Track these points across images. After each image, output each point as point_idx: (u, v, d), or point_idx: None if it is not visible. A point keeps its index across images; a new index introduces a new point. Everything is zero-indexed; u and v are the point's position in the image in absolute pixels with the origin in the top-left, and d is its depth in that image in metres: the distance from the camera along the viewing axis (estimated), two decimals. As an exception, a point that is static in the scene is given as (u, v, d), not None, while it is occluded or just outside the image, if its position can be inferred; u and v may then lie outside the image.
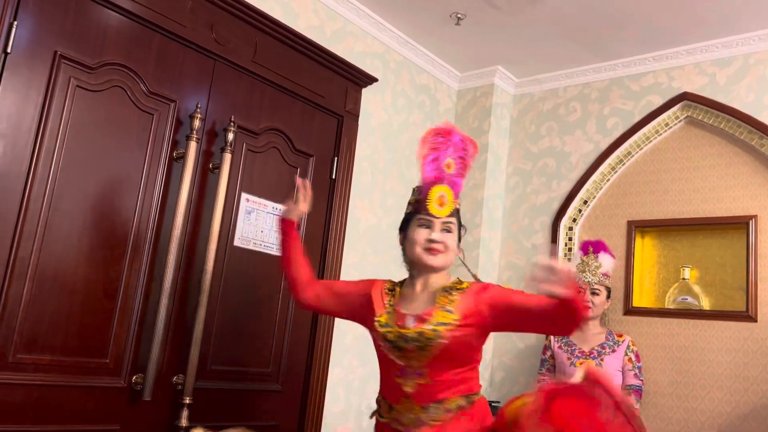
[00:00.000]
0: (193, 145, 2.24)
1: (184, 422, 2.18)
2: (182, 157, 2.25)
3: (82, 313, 2.02)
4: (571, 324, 1.62)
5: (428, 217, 1.82)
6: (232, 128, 2.37)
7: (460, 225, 1.90)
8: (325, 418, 2.83)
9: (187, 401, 2.20)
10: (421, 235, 1.81)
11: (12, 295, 1.86)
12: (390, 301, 1.85)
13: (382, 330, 1.78)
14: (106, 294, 2.07)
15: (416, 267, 1.85)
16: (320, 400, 2.75)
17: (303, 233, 2.70)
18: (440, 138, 1.87)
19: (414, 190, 1.91)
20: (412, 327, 1.74)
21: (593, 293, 3.09)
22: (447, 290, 1.80)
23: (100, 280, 2.06)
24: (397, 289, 1.89)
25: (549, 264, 1.49)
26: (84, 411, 2.01)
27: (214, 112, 2.40)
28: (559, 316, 1.59)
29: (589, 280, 3.10)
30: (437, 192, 1.82)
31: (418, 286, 1.84)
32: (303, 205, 2.03)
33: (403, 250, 1.88)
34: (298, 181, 2.05)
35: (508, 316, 1.72)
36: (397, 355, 1.75)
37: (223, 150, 2.35)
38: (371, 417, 1.87)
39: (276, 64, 2.63)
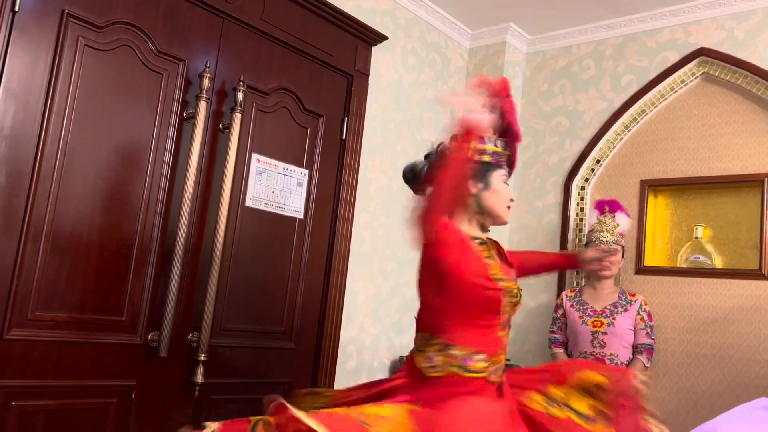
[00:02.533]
0: (203, 105, 2.24)
1: (199, 378, 2.23)
2: (192, 118, 2.25)
3: (98, 272, 2.05)
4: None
5: (506, 173, 1.82)
6: (242, 88, 2.36)
7: None
8: (338, 376, 2.88)
9: (202, 358, 2.24)
10: (508, 192, 1.80)
11: (28, 254, 1.89)
12: (486, 254, 1.75)
13: (502, 284, 1.70)
14: (120, 253, 2.10)
15: (490, 219, 1.78)
16: (333, 357, 2.79)
17: (314, 193, 2.70)
18: (506, 92, 1.83)
19: (495, 141, 1.80)
20: (514, 281, 1.76)
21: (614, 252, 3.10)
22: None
23: (114, 239, 2.09)
24: (482, 242, 1.80)
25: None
26: (102, 367, 2.05)
27: (223, 71, 2.39)
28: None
29: (607, 239, 3.10)
30: (515, 147, 1.86)
31: (488, 240, 1.81)
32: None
33: (477, 198, 1.76)
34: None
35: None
36: (508, 309, 1.72)
37: (233, 110, 2.35)
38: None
39: (285, 22, 2.60)
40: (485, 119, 1.61)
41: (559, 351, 3.16)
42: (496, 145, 1.80)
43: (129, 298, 2.12)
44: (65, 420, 1.96)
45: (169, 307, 2.15)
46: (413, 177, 1.85)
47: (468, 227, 1.76)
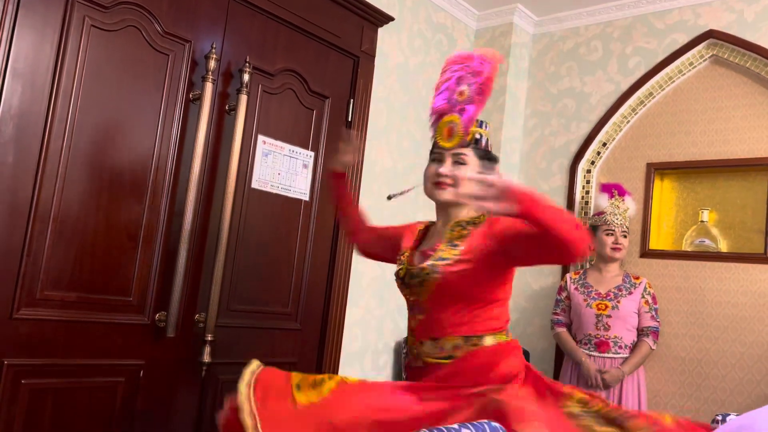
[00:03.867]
0: (209, 87, 2.23)
1: (206, 358, 2.25)
2: (198, 99, 2.25)
3: (105, 252, 2.06)
4: (563, 249, 1.42)
5: (438, 150, 1.75)
6: (248, 69, 2.35)
7: (484, 156, 1.76)
8: (343, 357, 2.90)
9: (209, 338, 2.26)
10: (430, 170, 1.76)
11: (36, 234, 1.91)
12: (417, 239, 1.84)
13: (397, 267, 1.80)
14: (127, 233, 2.11)
15: (435, 203, 1.80)
16: (338, 338, 2.81)
17: (319, 176, 2.71)
18: (456, 66, 1.76)
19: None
20: (416, 263, 1.73)
21: (624, 236, 3.12)
22: (460, 224, 1.72)
23: (121, 220, 2.10)
24: (429, 228, 1.88)
25: (481, 177, 1.39)
26: (110, 346, 2.08)
27: (229, 52, 2.38)
28: (547, 243, 1.44)
29: (620, 222, 3.12)
30: (446, 123, 1.73)
31: (439, 222, 1.81)
32: (348, 155, 1.99)
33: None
34: (345, 132, 2.00)
35: (515, 246, 1.58)
36: (406, 292, 1.76)
37: (239, 91, 2.34)
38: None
39: (291, 2, 2.58)
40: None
41: (562, 330, 3.18)
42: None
43: (136, 278, 2.14)
44: (75, 398, 1.99)
45: (176, 288, 2.17)
46: None
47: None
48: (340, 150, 2.01)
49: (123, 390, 2.10)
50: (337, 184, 2.04)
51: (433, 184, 1.73)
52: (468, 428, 0.97)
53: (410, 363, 1.75)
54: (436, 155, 1.76)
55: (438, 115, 1.77)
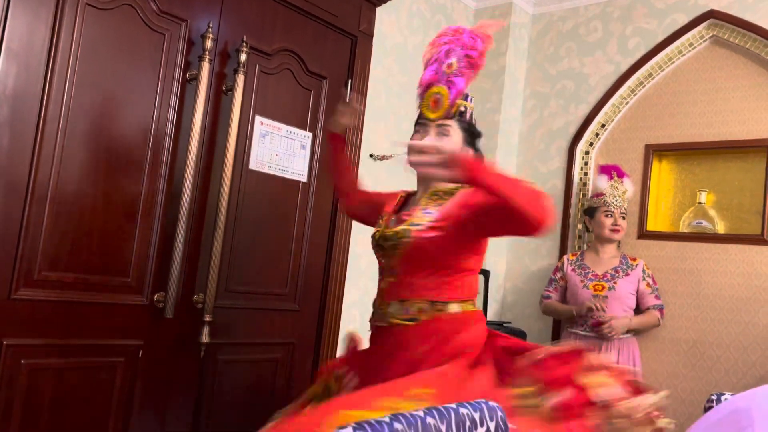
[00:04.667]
0: (205, 66, 2.22)
1: (205, 339, 2.26)
2: (195, 79, 2.23)
3: (103, 233, 2.06)
4: (523, 220, 1.43)
5: (422, 121, 1.79)
6: (245, 49, 2.33)
7: (467, 129, 1.79)
8: (341, 338, 2.92)
9: (208, 319, 2.27)
10: (414, 139, 1.77)
11: (33, 215, 1.90)
12: (397, 205, 1.90)
13: (374, 230, 1.85)
14: (125, 214, 2.11)
15: (417, 174, 1.80)
16: (336, 319, 2.82)
17: (318, 156, 2.70)
18: (446, 38, 1.78)
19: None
20: (392, 227, 1.77)
21: (623, 217, 3.14)
22: (437, 194, 1.77)
23: (118, 200, 2.09)
24: (410, 195, 1.93)
25: (428, 144, 1.42)
26: (109, 327, 2.08)
27: (225, 32, 2.36)
28: (508, 214, 1.45)
29: (619, 204, 3.13)
30: (432, 94, 1.75)
31: (419, 192, 1.86)
32: (347, 118, 2.02)
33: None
34: (347, 94, 2.00)
35: (480, 216, 1.60)
36: (380, 254, 1.82)
37: (236, 71, 2.33)
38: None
39: (288, -19, 2.55)
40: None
41: (549, 301, 3.23)
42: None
43: (135, 259, 2.14)
44: (74, 378, 2.00)
45: (174, 269, 2.17)
46: None
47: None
48: (338, 112, 2.02)
49: (122, 370, 2.11)
50: (334, 145, 2.06)
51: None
52: (465, 407, 0.98)
53: (375, 322, 1.81)
54: (420, 126, 1.80)
55: (425, 86, 1.79)
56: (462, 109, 1.77)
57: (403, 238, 1.70)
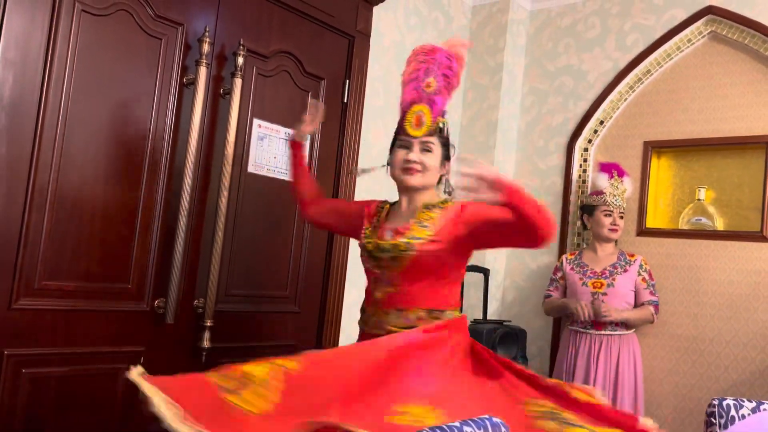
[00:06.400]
0: (203, 71, 2.20)
1: (206, 344, 2.26)
2: (193, 83, 2.22)
3: (103, 240, 2.05)
4: (533, 234, 1.60)
5: (406, 138, 1.88)
6: (242, 52, 2.32)
7: (445, 144, 1.92)
8: (342, 338, 2.92)
9: (209, 324, 2.27)
10: (399, 156, 1.88)
11: (33, 224, 1.90)
12: (379, 217, 1.96)
13: (364, 240, 1.90)
14: (124, 221, 2.10)
15: (399, 187, 1.92)
16: (337, 320, 2.83)
17: (316, 157, 2.69)
18: (422, 57, 1.89)
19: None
20: (388, 239, 1.84)
21: (621, 217, 3.14)
22: (428, 207, 1.86)
23: (117, 207, 2.08)
24: (387, 207, 1.99)
25: (474, 171, 1.49)
26: (110, 334, 2.08)
27: (222, 35, 2.34)
28: (520, 228, 1.59)
29: (619, 203, 3.14)
30: (414, 112, 1.87)
31: (404, 204, 1.93)
32: (308, 126, 2.11)
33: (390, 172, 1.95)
34: (311, 101, 2.10)
35: (485, 230, 1.74)
36: (373, 265, 1.87)
37: (233, 75, 2.31)
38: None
39: (284, -18, 2.53)
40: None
41: (549, 298, 3.24)
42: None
43: (134, 265, 2.13)
44: (76, 386, 2.00)
45: (174, 274, 2.17)
46: None
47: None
48: (302, 120, 2.11)
49: (124, 377, 2.11)
50: (294, 153, 2.14)
51: (403, 169, 1.87)
52: (470, 425, 0.98)
53: (370, 330, 1.85)
54: (404, 142, 1.89)
55: (408, 104, 1.90)
56: (441, 125, 1.90)
57: (406, 251, 1.79)
